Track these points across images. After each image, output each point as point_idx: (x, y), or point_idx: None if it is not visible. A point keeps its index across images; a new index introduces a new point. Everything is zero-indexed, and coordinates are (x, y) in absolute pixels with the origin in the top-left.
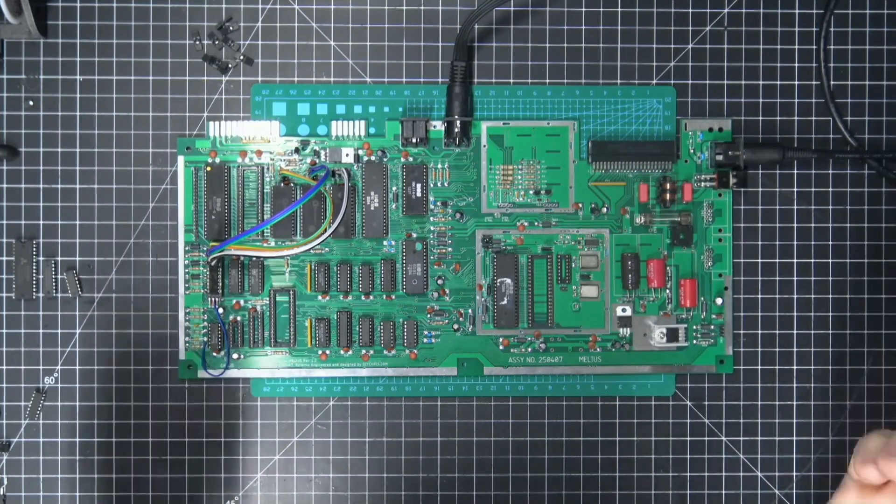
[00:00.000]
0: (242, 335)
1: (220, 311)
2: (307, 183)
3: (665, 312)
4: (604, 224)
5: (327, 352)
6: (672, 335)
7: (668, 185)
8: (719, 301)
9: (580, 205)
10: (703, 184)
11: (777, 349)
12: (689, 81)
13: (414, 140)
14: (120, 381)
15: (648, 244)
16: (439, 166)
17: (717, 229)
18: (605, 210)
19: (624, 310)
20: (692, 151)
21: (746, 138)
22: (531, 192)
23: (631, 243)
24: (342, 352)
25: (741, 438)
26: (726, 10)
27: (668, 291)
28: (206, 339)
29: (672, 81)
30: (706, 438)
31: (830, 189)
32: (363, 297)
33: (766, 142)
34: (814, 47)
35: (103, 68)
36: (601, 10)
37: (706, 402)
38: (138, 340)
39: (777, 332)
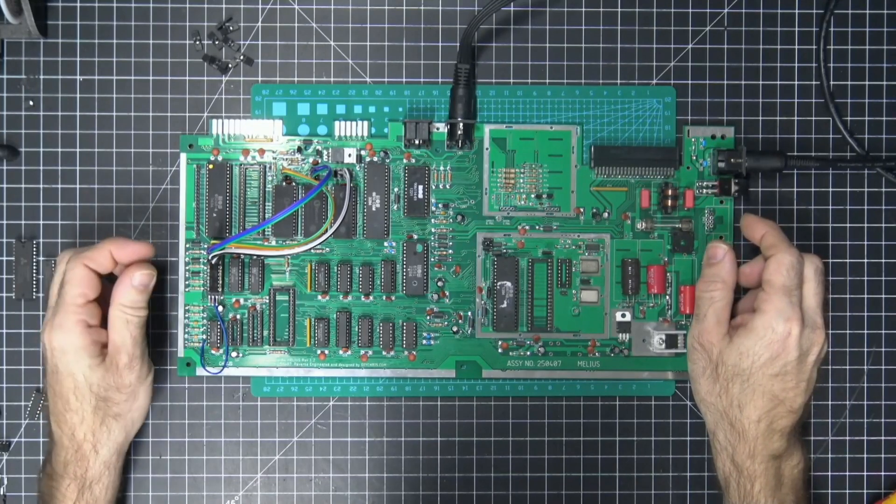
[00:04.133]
0: (241, 334)
1: (220, 308)
2: (309, 182)
3: (665, 318)
4: (605, 229)
5: (326, 352)
6: (671, 341)
7: (669, 192)
8: None
9: (581, 209)
10: (704, 191)
11: None
12: (689, 81)
13: (416, 141)
14: None
15: (649, 250)
16: (441, 168)
17: (718, 236)
18: (606, 215)
19: (623, 315)
20: (694, 158)
21: (749, 146)
22: (533, 195)
23: (632, 249)
24: (341, 352)
25: None
26: (726, 10)
27: (667, 297)
28: (205, 336)
29: (672, 81)
30: (706, 438)
31: (830, 189)
32: (363, 298)
33: (769, 150)
34: (814, 47)
35: (103, 68)
36: (601, 10)
37: None
38: None
39: None
